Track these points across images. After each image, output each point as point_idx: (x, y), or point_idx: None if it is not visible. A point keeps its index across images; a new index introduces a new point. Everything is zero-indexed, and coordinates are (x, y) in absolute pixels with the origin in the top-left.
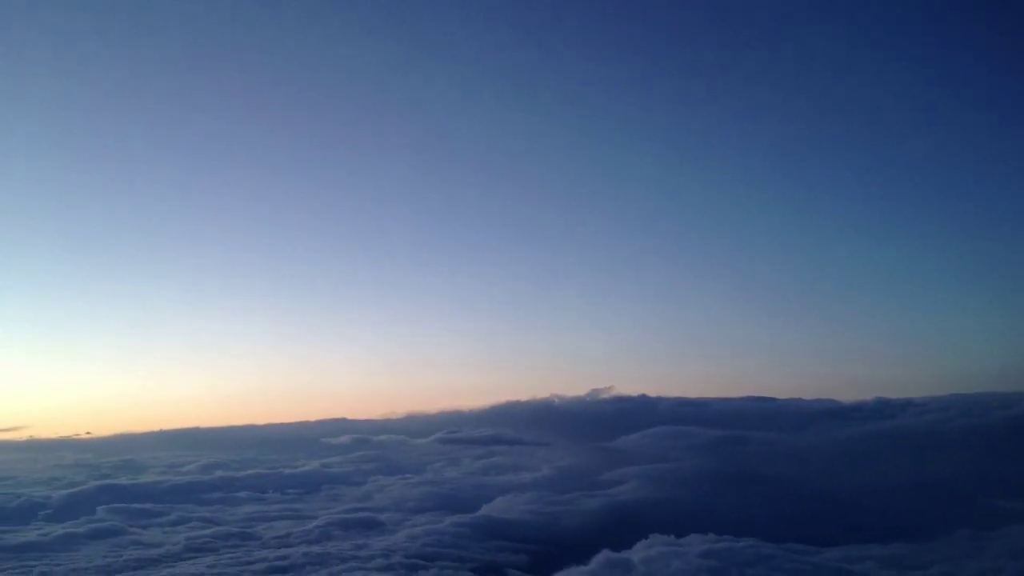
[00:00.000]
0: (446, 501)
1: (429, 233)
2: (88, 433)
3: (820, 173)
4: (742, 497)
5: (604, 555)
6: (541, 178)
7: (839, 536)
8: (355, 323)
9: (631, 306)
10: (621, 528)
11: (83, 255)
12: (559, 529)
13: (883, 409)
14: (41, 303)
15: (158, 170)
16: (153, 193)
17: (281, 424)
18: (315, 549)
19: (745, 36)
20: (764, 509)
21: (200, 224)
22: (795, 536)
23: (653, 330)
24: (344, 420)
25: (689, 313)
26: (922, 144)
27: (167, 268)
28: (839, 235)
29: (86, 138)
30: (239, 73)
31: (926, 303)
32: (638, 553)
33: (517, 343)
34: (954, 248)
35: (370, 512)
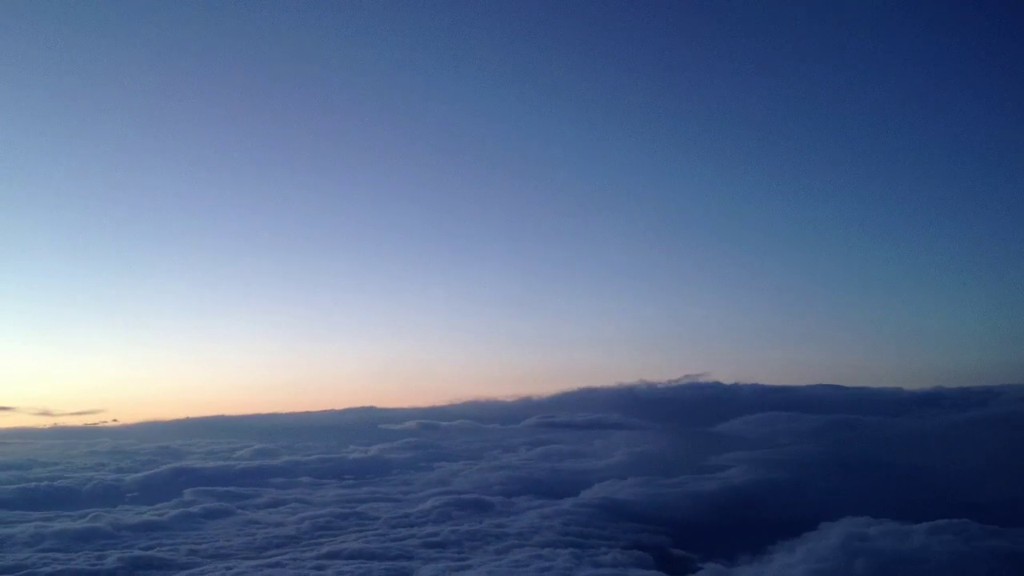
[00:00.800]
0: (533, 486)
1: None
2: (115, 420)
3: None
4: (863, 481)
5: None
6: (623, 166)
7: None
8: (377, 315)
9: (670, 296)
10: (747, 511)
11: (104, 246)
12: (683, 511)
13: (979, 397)
14: (62, 292)
15: (187, 165)
16: (173, 188)
17: (307, 413)
18: (452, 528)
19: (746, 36)
20: (890, 492)
21: (221, 219)
22: (927, 519)
23: (707, 319)
24: (372, 408)
25: (748, 303)
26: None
27: (183, 261)
28: (904, 229)
29: (128, 125)
30: (241, 73)
31: (978, 299)
32: (831, 538)
33: (527, 338)
34: None
35: (476, 495)
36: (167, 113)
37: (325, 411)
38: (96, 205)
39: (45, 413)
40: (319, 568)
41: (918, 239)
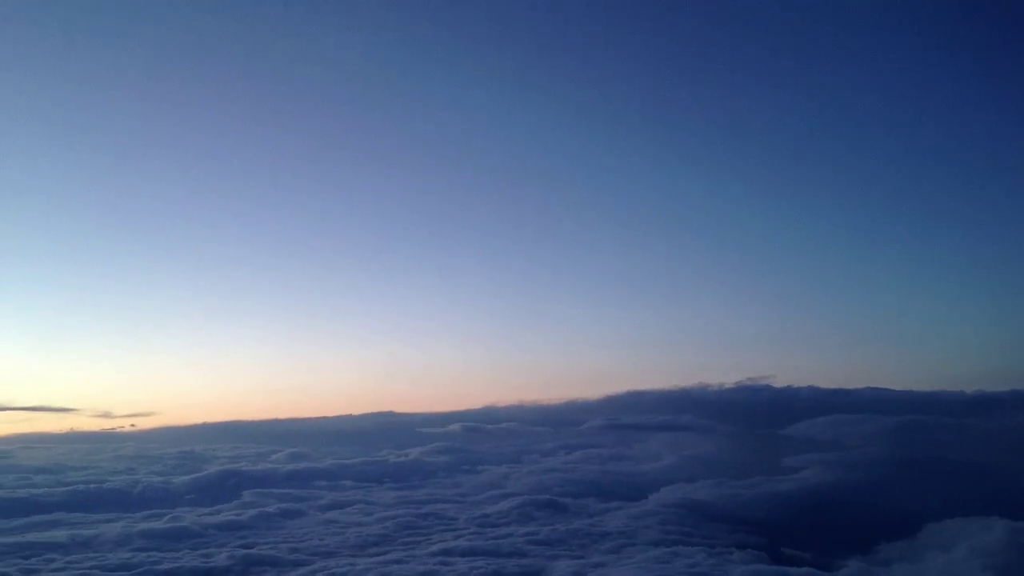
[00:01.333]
0: (591, 487)
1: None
2: (132, 425)
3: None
4: (946, 481)
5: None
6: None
7: None
8: (400, 318)
9: (711, 300)
10: (832, 512)
11: (115, 250)
12: (767, 511)
13: None
14: (79, 293)
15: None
16: (177, 190)
17: (324, 418)
18: (546, 527)
19: (745, 36)
20: (978, 491)
21: (237, 222)
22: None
23: (743, 322)
24: (391, 413)
25: (780, 307)
26: None
27: (192, 266)
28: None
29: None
30: (243, 74)
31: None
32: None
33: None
34: None
35: (547, 496)
36: (199, 114)
37: (342, 416)
38: (97, 206)
39: (106, 415)
40: (444, 563)
41: (952, 244)
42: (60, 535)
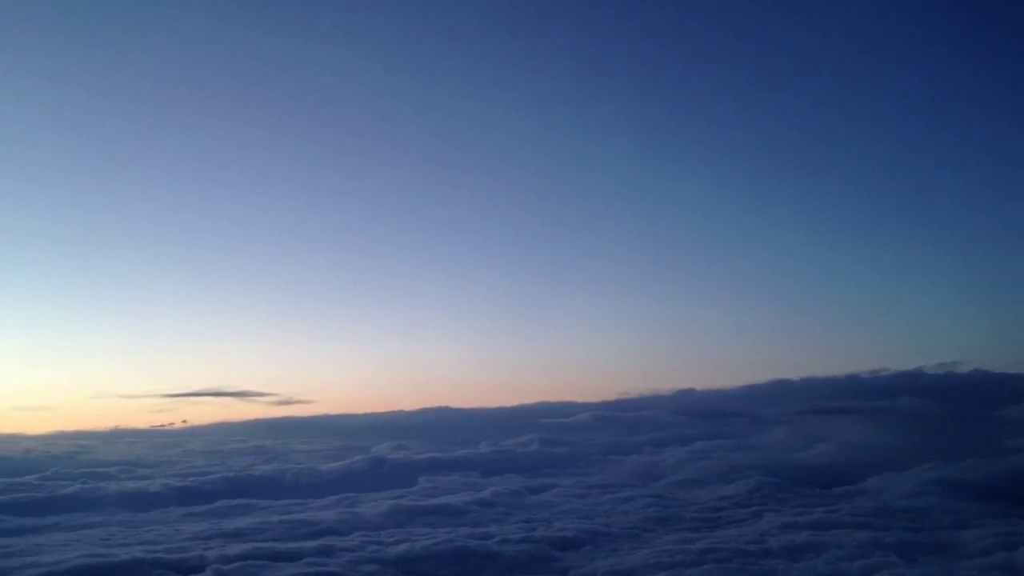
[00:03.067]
0: (800, 473)
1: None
2: (184, 422)
3: None
4: None
5: None
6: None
7: None
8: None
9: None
10: None
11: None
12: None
13: None
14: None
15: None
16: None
17: (374, 414)
18: (823, 509)
19: (744, 37)
20: None
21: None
22: None
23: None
24: (446, 408)
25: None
26: None
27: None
28: None
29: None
30: (250, 75)
31: None
32: None
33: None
34: None
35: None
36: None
37: (396, 411)
38: (98, 206)
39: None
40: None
41: None
42: (310, 516)
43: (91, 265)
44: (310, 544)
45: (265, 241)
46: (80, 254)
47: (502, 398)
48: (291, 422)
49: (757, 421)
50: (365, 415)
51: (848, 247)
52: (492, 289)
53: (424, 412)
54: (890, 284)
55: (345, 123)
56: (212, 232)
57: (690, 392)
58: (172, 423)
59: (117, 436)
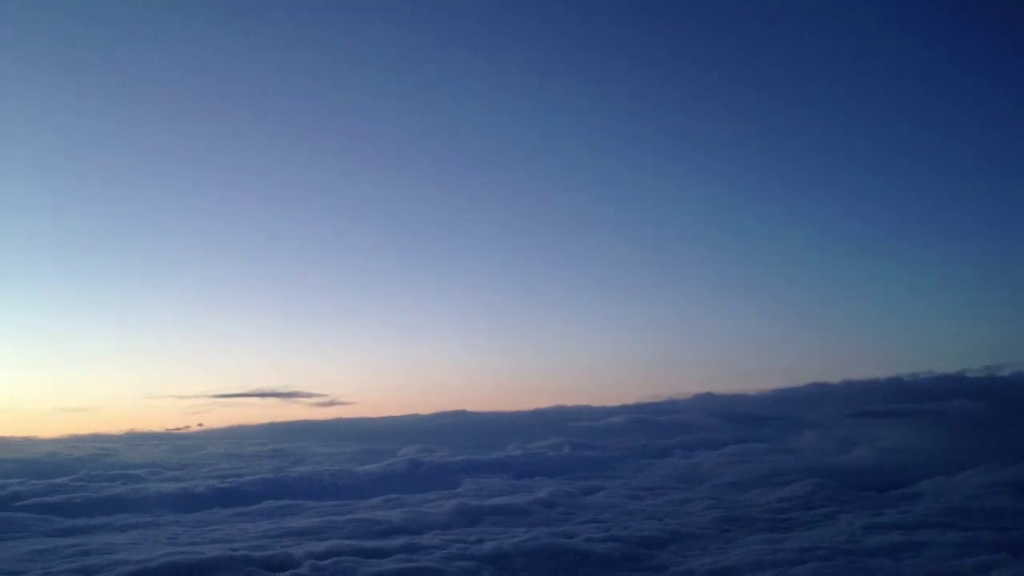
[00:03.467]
0: (851, 476)
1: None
2: (200, 425)
3: None
4: None
5: None
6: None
7: None
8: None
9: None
10: None
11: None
12: None
13: None
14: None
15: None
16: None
17: (391, 417)
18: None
19: (743, 38)
20: None
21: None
22: None
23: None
24: (463, 412)
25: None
26: None
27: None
28: None
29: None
30: (257, 77)
31: None
32: None
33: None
34: None
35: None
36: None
37: (411, 415)
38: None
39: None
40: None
41: None
42: (372, 516)
43: (144, 269)
44: (391, 542)
45: (285, 245)
46: (138, 258)
47: (516, 402)
48: (306, 425)
49: (791, 424)
50: (381, 419)
51: (882, 250)
52: (505, 293)
53: (440, 416)
54: (923, 288)
55: (373, 131)
56: (231, 239)
57: (709, 396)
58: (188, 426)
59: (133, 439)
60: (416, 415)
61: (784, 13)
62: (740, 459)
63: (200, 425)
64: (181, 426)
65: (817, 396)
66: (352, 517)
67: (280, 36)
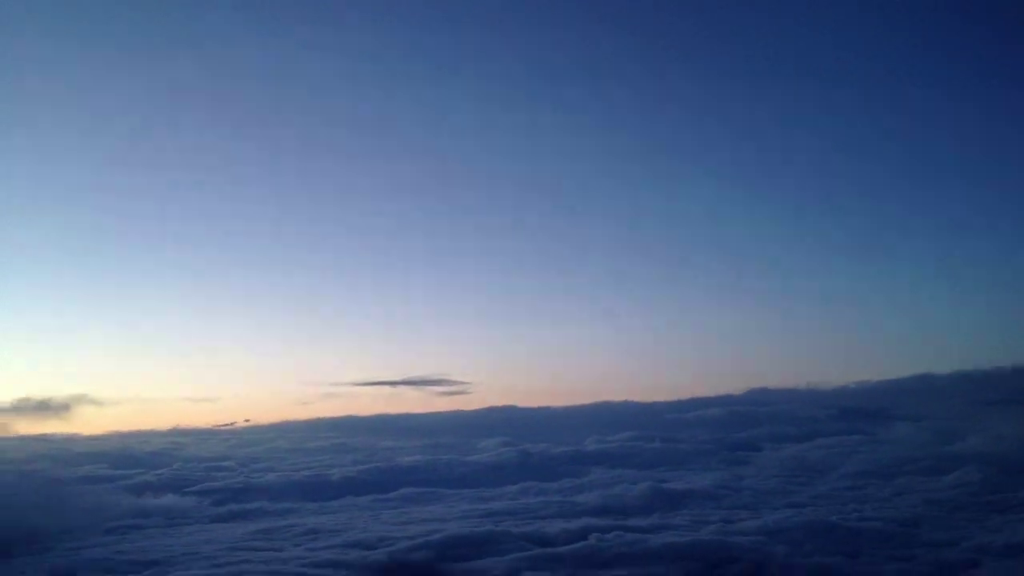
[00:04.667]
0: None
1: None
2: (247, 421)
3: None
4: None
5: None
6: None
7: None
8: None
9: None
10: None
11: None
12: None
13: None
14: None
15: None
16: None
17: (437, 413)
18: None
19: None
20: None
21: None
22: None
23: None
24: (512, 407)
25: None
26: None
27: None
28: None
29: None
30: (260, 79)
31: None
32: None
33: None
34: None
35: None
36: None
37: (454, 411)
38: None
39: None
40: None
41: None
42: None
43: (283, 262)
44: (639, 521)
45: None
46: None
47: (554, 399)
48: (350, 421)
49: (883, 417)
50: (426, 415)
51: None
52: (553, 288)
53: (489, 411)
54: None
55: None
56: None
57: (762, 391)
58: (234, 422)
59: (178, 435)
60: (461, 411)
61: (783, 14)
62: (850, 451)
63: (247, 421)
64: (227, 422)
65: (925, 387)
66: (543, 499)
67: (281, 39)
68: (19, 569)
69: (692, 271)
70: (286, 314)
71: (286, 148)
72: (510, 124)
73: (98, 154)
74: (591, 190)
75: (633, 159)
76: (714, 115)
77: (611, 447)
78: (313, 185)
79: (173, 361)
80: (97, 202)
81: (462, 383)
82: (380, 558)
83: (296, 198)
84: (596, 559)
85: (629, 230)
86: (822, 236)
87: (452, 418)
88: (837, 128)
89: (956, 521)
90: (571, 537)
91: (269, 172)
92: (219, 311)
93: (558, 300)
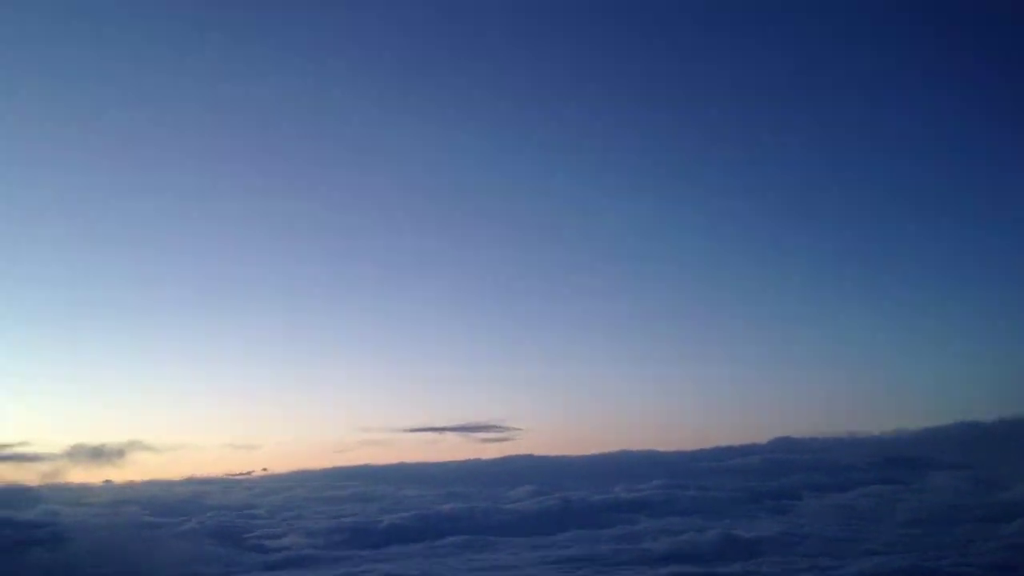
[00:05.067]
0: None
1: None
2: (265, 470)
3: None
4: None
5: None
6: None
7: None
8: None
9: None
10: None
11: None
12: None
13: None
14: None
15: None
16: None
17: (451, 462)
18: None
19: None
20: None
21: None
22: None
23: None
24: (529, 456)
25: None
26: None
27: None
28: None
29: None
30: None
31: None
32: None
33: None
34: None
35: None
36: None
37: (469, 460)
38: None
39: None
40: None
41: None
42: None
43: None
44: (725, 569)
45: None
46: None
47: (571, 447)
48: (365, 470)
49: (922, 466)
50: (440, 463)
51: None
52: (566, 337)
53: (505, 461)
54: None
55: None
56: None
57: (786, 440)
58: (252, 471)
59: (195, 483)
60: (477, 460)
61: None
62: (894, 498)
63: (264, 470)
64: (243, 471)
65: (967, 435)
66: (612, 547)
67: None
68: None
69: (703, 316)
70: (348, 359)
71: (341, 187)
72: (573, 171)
73: (154, 202)
74: (600, 233)
75: (665, 207)
76: (756, 164)
77: (644, 495)
78: (371, 229)
79: (218, 407)
80: (147, 253)
81: (513, 429)
82: None
83: (357, 244)
84: None
85: (646, 273)
86: (857, 281)
87: (468, 467)
88: (887, 175)
89: None
90: None
91: (330, 217)
92: (273, 355)
93: (574, 345)
